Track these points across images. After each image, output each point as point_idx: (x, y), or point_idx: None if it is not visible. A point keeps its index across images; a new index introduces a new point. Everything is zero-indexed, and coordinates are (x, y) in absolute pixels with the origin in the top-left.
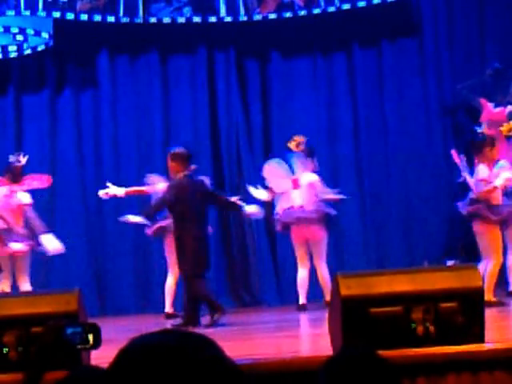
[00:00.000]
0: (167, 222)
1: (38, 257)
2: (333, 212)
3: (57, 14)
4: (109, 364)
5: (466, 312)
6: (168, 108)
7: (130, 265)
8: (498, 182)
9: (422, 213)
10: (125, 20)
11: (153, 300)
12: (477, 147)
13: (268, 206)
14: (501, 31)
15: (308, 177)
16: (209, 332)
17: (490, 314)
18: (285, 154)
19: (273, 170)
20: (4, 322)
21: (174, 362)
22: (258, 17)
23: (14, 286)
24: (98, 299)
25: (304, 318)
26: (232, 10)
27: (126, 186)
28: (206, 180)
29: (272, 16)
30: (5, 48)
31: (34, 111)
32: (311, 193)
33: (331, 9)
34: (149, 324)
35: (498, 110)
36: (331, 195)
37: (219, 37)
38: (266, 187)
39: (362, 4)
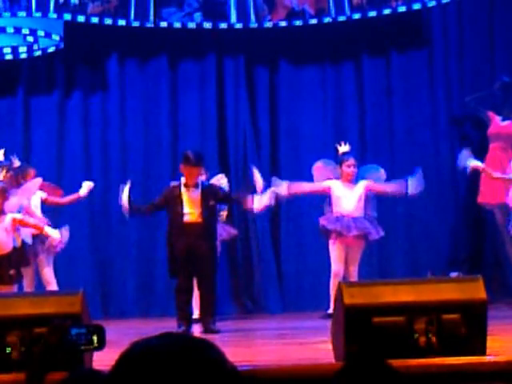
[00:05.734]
0: None
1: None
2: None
3: (68, 17)
4: (110, 367)
5: (469, 324)
6: (176, 113)
7: (134, 268)
8: None
9: (426, 223)
10: (135, 24)
11: (156, 303)
12: None
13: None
14: (511, 45)
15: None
16: (211, 338)
17: (491, 326)
18: (292, 162)
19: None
20: (7, 322)
21: (176, 365)
22: (268, 24)
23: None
24: (101, 302)
25: (306, 325)
26: (243, 16)
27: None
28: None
29: (282, 24)
30: (15, 49)
31: (43, 113)
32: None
33: (342, 18)
34: (152, 327)
35: (506, 123)
36: None
37: (229, 43)
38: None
39: (372, 14)
